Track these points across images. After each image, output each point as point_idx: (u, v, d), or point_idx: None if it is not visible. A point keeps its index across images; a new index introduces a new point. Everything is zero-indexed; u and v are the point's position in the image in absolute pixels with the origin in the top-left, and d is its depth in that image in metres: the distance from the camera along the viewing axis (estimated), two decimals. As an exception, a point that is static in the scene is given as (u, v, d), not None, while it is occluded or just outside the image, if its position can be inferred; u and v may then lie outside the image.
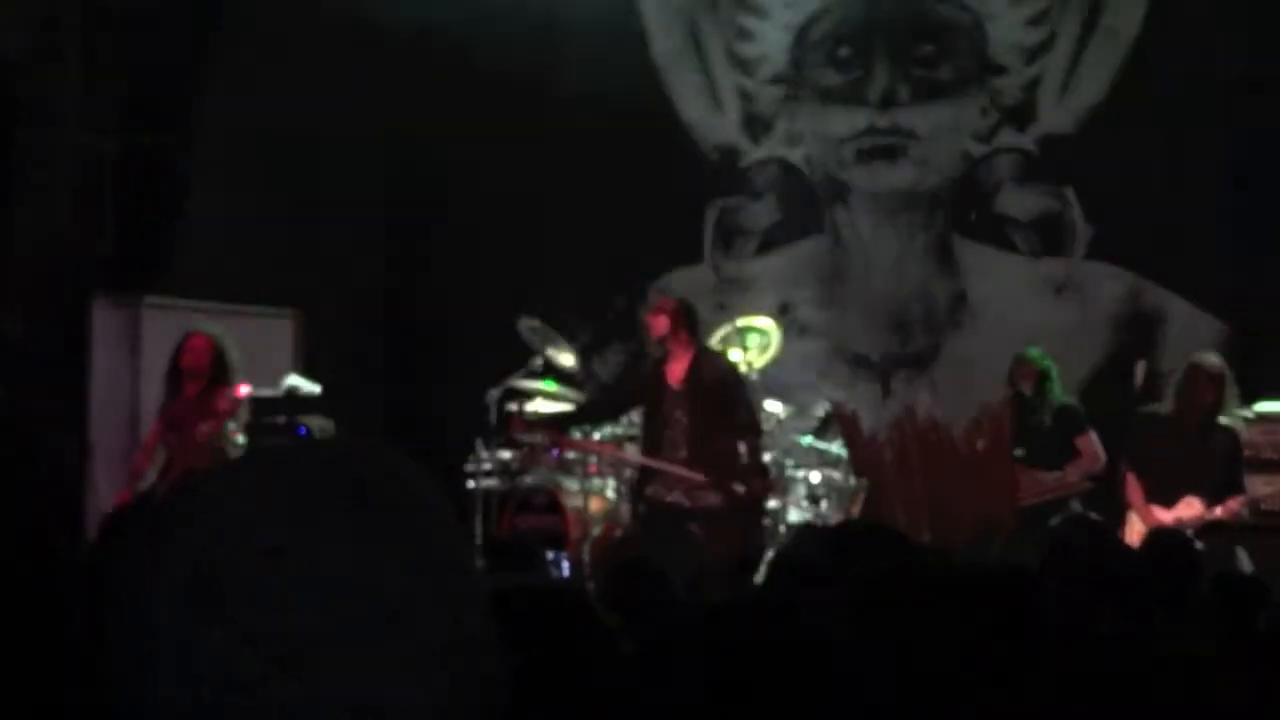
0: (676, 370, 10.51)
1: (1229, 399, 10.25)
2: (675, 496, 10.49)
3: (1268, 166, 12.60)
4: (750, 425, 10.57)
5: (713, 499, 10.39)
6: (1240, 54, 12.74)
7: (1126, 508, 10.24)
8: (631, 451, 11.32)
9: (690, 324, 10.64)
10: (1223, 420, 10.26)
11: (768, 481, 10.82)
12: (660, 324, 10.59)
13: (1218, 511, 10.02)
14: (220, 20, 13.12)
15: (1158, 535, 7.34)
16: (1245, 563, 9.70)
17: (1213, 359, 10.42)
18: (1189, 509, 10.03)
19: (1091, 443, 10.69)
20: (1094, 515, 5.88)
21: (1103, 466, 10.63)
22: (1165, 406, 10.37)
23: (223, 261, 12.71)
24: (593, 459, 11.78)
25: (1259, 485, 10.32)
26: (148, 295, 12.62)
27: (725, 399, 10.42)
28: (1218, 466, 10.15)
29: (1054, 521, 5.74)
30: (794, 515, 11.59)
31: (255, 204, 12.86)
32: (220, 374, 10.40)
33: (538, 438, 11.66)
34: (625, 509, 11.46)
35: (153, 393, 11.21)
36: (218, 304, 12.21)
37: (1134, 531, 9.89)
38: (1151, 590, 5.88)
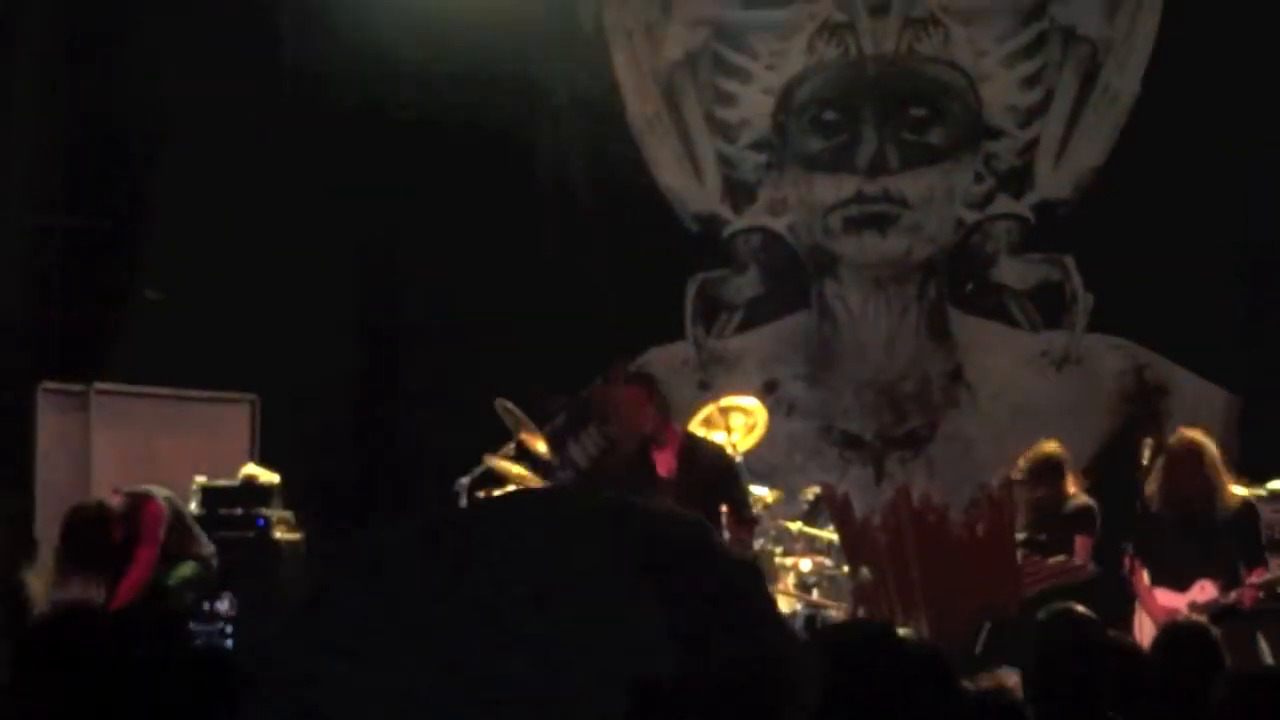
0: (665, 459, 10.10)
1: (1221, 474, 9.82)
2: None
3: (1275, 230, 12.41)
4: (744, 517, 10.22)
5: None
6: (1244, 115, 12.53)
7: (1135, 596, 9.92)
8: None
9: (667, 408, 10.21)
10: (1234, 492, 9.86)
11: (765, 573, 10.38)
12: (645, 420, 10.11)
13: (1233, 596, 9.67)
14: (175, 99, 13.03)
15: (1170, 629, 6.82)
16: (1265, 650, 9.36)
17: (1188, 435, 10.02)
18: (1202, 593, 9.72)
19: (1089, 548, 10.27)
20: (1081, 609, 5.45)
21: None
22: (1156, 491, 10.01)
23: (175, 345, 12.53)
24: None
25: (1276, 567, 10.01)
26: (97, 381, 12.42)
27: (719, 490, 10.01)
28: (1233, 544, 9.81)
29: (1041, 615, 5.32)
30: (783, 605, 11.12)
31: (210, 286, 12.74)
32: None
33: None
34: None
35: (103, 482, 10.86)
36: (170, 389, 11.93)
37: (1145, 621, 9.61)
38: (1160, 690, 5.66)
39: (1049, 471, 10.39)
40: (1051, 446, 10.50)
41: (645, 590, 1.23)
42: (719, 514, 9.97)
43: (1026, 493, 10.39)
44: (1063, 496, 10.40)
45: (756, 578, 1.27)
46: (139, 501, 9.95)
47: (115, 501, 9.88)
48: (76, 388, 12.32)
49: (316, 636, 1.19)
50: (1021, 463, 10.51)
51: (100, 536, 9.67)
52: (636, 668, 1.21)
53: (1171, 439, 10.14)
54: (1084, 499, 10.50)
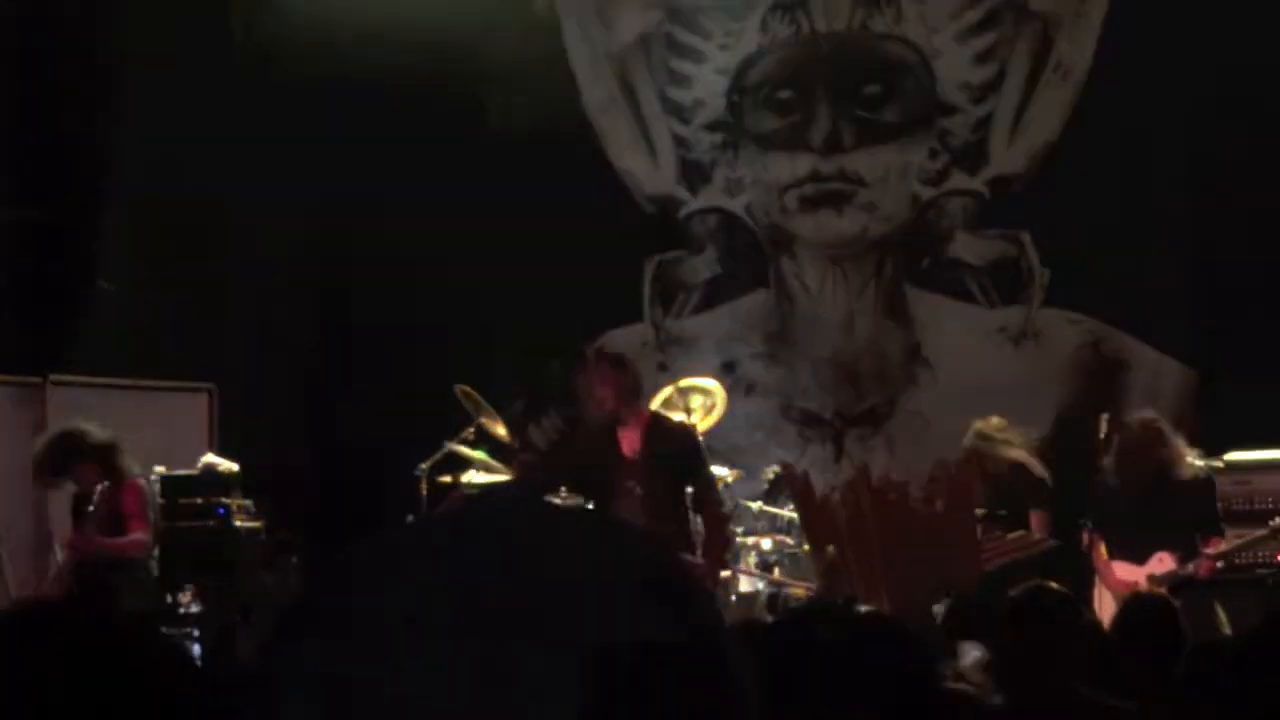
0: (630, 439, 10.04)
1: (1177, 453, 9.89)
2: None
3: (1230, 203, 12.41)
4: (710, 498, 10.13)
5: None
6: (1196, 87, 12.52)
7: (1094, 569, 9.99)
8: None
9: (637, 388, 10.16)
10: (1191, 464, 9.94)
11: (729, 553, 10.43)
12: (606, 398, 10.08)
13: (1190, 568, 9.76)
14: (125, 87, 12.95)
15: (1133, 602, 6.83)
16: (1223, 620, 9.35)
17: (1144, 418, 10.14)
18: (1160, 565, 9.79)
19: (1045, 522, 10.32)
20: (1055, 585, 5.44)
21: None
22: (1110, 466, 10.08)
23: (131, 337, 12.47)
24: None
25: (1231, 538, 10.06)
26: (52, 374, 12.28)
27: (684, 470, 9.98)
28: (1190, 516, 9.88)
29: (1014, 592, 5.31)
30: (744, 585, 11.13)
31: (166, 276, 12.65)
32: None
33: None
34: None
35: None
36: (127, 380, 11.80)
37: (1104, 595, 9.68)
38: (1128, 663, 5.70)
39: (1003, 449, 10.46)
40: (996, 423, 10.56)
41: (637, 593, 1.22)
42: (684, 493, 9.95)
43: (987, 467, 10.42)
44: (1018, 472, 10.45)
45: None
46: (125, 474, 10.08)
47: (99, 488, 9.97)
48: (32, 380, 12.21)
49: (333, 638, 1.17)
50: (980, 440, 10.53)
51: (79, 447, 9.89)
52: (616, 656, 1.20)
53: (1128, 421, 10.20)
54: (1039, 473, 10.53)
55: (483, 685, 1.17)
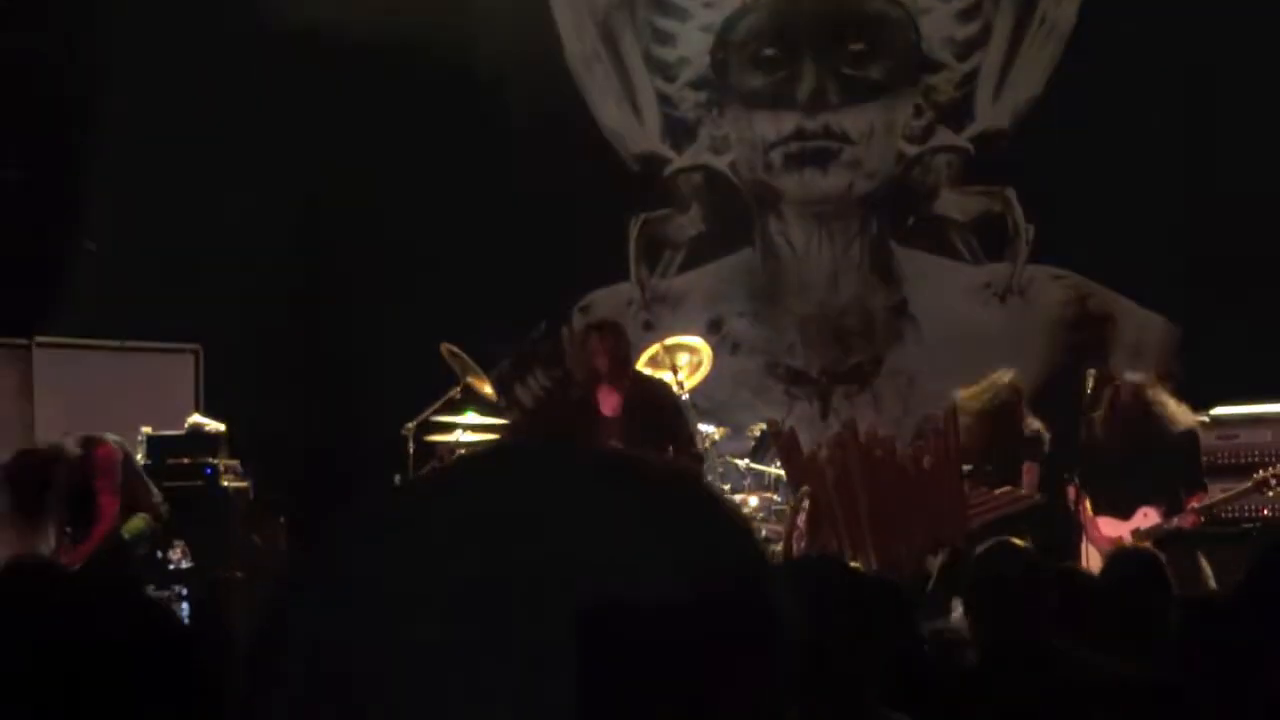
0: (610, 398, 10.07)
1: (1169, 411, 9.91)
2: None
3: (1215, 159, 12.41)
4: (690, 455, 10.18)
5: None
6: (1181, 44, 12.49)
7: (1078, 525, 9.98)
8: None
9: (628, 354, 10.22)
10: (1175, 418, 9.95)
11: None
12: (601, 367, 10.14)
13: (1174, 521, 9.78)
14: (111, 45, 12.89)
15: (1119, 555, 6.85)
16: (1207, 572, 9.41)
17: (1138, 377, 10.19)
18: (1145, 520, 9.81)
19: (1036, 475, 10.29)
20: (1020, 542, 5.46)
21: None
22: (1098, 421, 10.09)
23: (117, 298, 12.39)
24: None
25: (1216, 492, 10.08)
26: (38, 335, 12.25)
27: (663, 427, 10.02)
28: (1175, 471, 9.91)
29: (980, 550, 5.34)
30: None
31: (151, 238, 12.57)
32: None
33: None
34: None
35: (48, 436, 10.70)
36: (113, 341, 11.76)
37: (1090, 551, 9.69)
38: (1114, 617, 5.67)
39: (1011, 403, 10.44)
40: (1010, 377, 10.53)
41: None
42: (665, 452, 9.97)
43: (986, 424, 10.39)
44: (1020, 426, 10.44)
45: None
46: (92, 446, 9.90)
47: (70, 444, 9.82)
48: (17, 342, 12.17)
49: (343, 601, 1.16)
50: (981, 394, 10.50)
51: (46, 479, 9.60)
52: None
53: (1121, 384, 10.18)
54: (1033, 426, 10.52)
55: (484, 653, 1.15)
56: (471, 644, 1.10)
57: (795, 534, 9.90)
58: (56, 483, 9.62)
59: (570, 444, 1.21)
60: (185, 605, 10.15)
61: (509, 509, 1.14)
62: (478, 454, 1.24)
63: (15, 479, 9.59)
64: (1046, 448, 10.44)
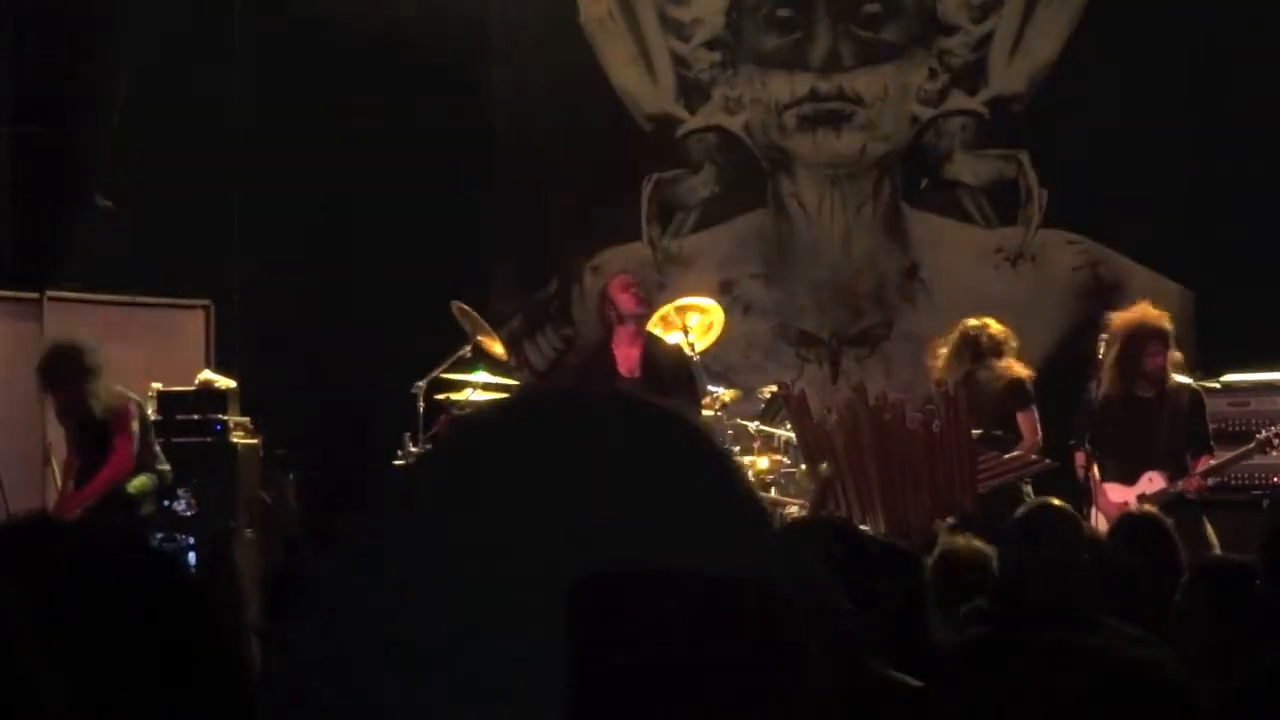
0: (628, 358, 10.07)
1: (1176, 359, 9.97)
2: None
3: (1230, 124, 12.38)
4: (698, 414, 10.14)
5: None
6: (1196, 9, 12.47)
7: (1087, 491, 9.89)
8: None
9: (650, 298, 10.27)
10: (1176, 380, 9.96)
11: None
12: (628, 301, 10.16)
13: (1179, 485, 9.77)
14: (122, 4, 12.86)
15: (1126, 521, 6.85)
16: (1212, 538, 9.41)
17: (1157, 317, 10.10)
18: (1150, 485, 9.80)
19: (1033, 419, 10.24)
20: (1062, 503, 5.42)
21: (1039, 444, 10.18)
22: (1107, 378, 9.99)
23: (128, 252, 12.37)
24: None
25: (1220, 456, 10.01)
26: (49, 289, 12.20)
27: (680, 389, 9.99)
28: (1180, 433, 9.90)
29: (1020, 511, 5.28)
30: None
31: (163, 191, 12.53)
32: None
33: None
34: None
35: None
36: (124, 296, 11.75)
37: (1098, 518, 9.58)
38: (1118, 579, 5.64)
39: (968, 349, 10.39)
40: (970, 323, 10.49)
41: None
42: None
43: (952, 372, 10.35)
44: (993, 373, 10.37)
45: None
46: (114, 400, 10.10)
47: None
48: (29, 296, 12.14)
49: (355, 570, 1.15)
50: (943, 347, 10.49)
51: (79, 361, 9.91)
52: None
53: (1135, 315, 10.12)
54: (1014, 372, 10.43)
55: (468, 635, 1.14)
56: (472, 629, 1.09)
57: (814, 506, 9.94)
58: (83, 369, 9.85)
59: (592, 399, 1.18)
60: (193, 556, 10.21)
61: (525, 475, 1.12)
62: (490, 416, 1.22)
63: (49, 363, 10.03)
64: (1032, 392, 10.38)
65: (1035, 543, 5.07)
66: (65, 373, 10.05)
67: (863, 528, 9.07)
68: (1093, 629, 4.33)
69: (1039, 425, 10.32)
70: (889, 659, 4.23)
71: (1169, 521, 6.60)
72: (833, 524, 5.52)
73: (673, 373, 10.17)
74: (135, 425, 10.17)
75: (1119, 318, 10.16)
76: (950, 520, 8.94)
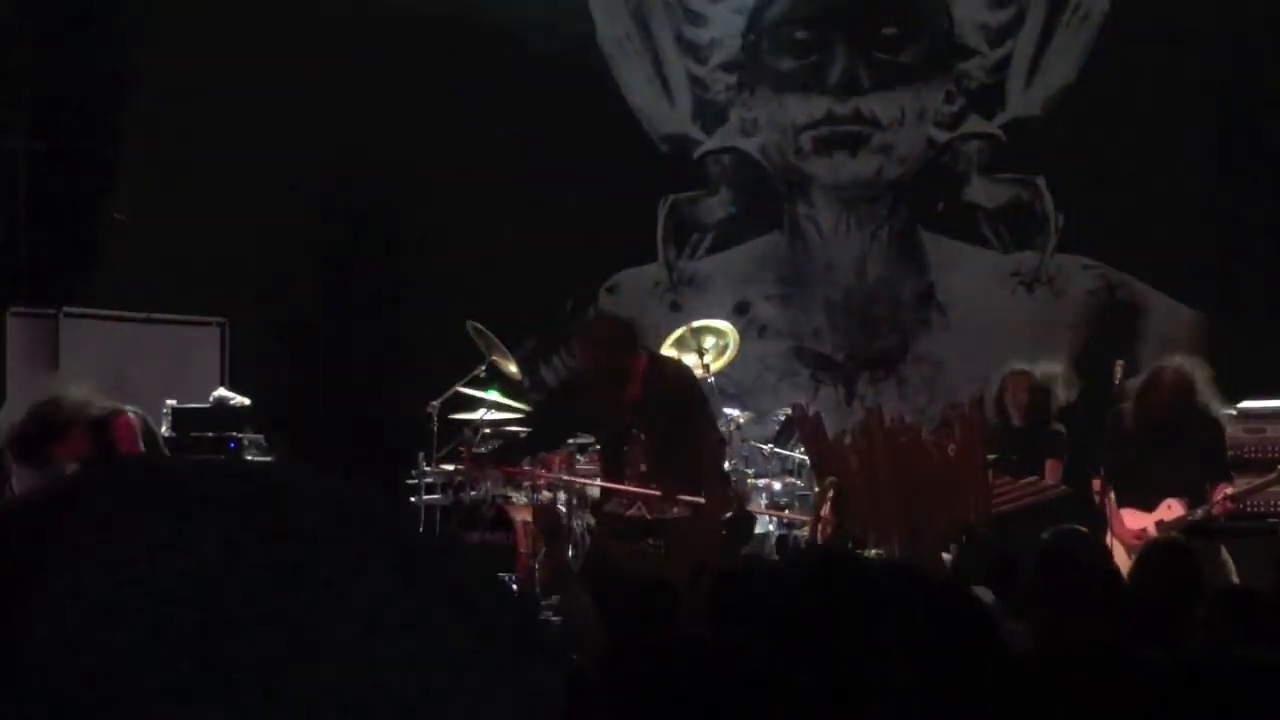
0: (631, 385, 9.98)
1: (1197, 396, 9.91)
2: (636, 510, 9.98)
3: (1247, 150, 12.41)
4: (711, 436, 10.06)
5: (674, 512, 9.85)
6: (1213, 30, 12.49)
7: (1104, 517, 9.92)
8: (585, 464, 10.83)
9: (633, 345, 10.05)
10: (1202, 409, 9.93)
11: (729, 492, 10.32)
12: (600, 359, 10.06)
13: (1199, 513, 9.75)
14: (141, 22, 12.89)
15: (1152, 547, 6.84)
16: (1230, 566, 9.37)
17: (1177, 361, 10.11)
18: (1169, 512, 9.78)
19: (1059, 472, 10.33)
20: (1082, 529, 5.43)
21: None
22: (1128, 409, 10.00)
23: (144, 269, 12.41)
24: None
25: (1242, 485, 10.01)
26: (65, 305, 12.25)
27: (683, 410, 9.92)
28: (1198, 462, 9.88)
29: (1045, 535, 5.28)
30: (756, 525, 11.12)
31: (179, 210, 12.55)
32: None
33: (492, 477, 11.11)
34: (576, 523, 10.92)
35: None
36: (140, 314, 11.77)
37: (1115, 544, 9.59)
38: (1145, 609, 5.64)
39: (1041, 399, 10.45)
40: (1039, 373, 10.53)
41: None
42: (687, 435, 9.90)
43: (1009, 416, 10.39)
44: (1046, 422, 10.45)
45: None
46: (109, 415, 9.79)
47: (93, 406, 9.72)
48: (45, 313, 12.18)
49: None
50: (1017, 391, 10.51)
51: (55, 432, 9.36)
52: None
53: (1161, 366, 10.12)
54: (1056, 425, 10.52)
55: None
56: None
57: (821, 522, 9.88)
58: (67, 438, 9.40)
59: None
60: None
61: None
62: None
63: (25, 430, 9.40)
64: (1067, 445, 10.43)
65: (1060, 569, 5.08)
66: (35, 449, 9.48)
67: (877, 551, 9.08)
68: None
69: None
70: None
71: (1195, 548, 6.58)
72: (830, 550, 5.50)
73: (677, 397, 10.04)
74: (137, 441, 9.87)
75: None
76: (959, 545, 8.96)
